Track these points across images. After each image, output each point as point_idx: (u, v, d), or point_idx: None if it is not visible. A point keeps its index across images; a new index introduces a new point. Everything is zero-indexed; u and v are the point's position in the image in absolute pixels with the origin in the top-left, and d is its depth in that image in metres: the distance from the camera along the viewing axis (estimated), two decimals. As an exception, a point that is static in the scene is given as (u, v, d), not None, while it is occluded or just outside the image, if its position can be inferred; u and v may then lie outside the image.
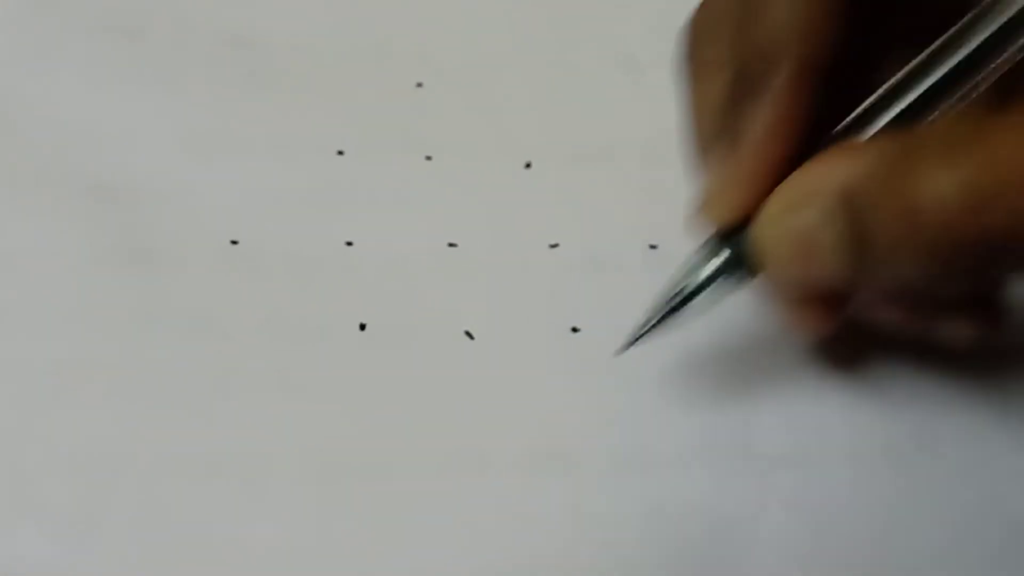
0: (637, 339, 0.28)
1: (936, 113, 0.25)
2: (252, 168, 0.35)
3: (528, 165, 0.35)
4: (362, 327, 0.31)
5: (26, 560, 0.26)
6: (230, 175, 0.35)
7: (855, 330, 0.30)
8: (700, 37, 0.28)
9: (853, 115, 0.26)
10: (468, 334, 0.31)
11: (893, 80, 0.26)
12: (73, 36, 0.38)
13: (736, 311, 0.32)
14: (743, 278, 0.27)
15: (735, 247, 0.27)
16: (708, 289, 0.27)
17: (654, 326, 0.28)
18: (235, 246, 0.33)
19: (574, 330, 0.31)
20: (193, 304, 0.31)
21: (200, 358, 0.30)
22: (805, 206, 0.25)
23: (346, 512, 0.27)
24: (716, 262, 0.27)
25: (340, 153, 0.36)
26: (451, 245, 0.33)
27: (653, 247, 0.33)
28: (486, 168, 0.35)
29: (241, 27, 0.39)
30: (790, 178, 0.26)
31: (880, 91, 0.26)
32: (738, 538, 0.28)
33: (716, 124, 0.27)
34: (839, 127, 0.26)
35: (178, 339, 0.30)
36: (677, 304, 0.27)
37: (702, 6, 0.28)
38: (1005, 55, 0.25)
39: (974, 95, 0.25)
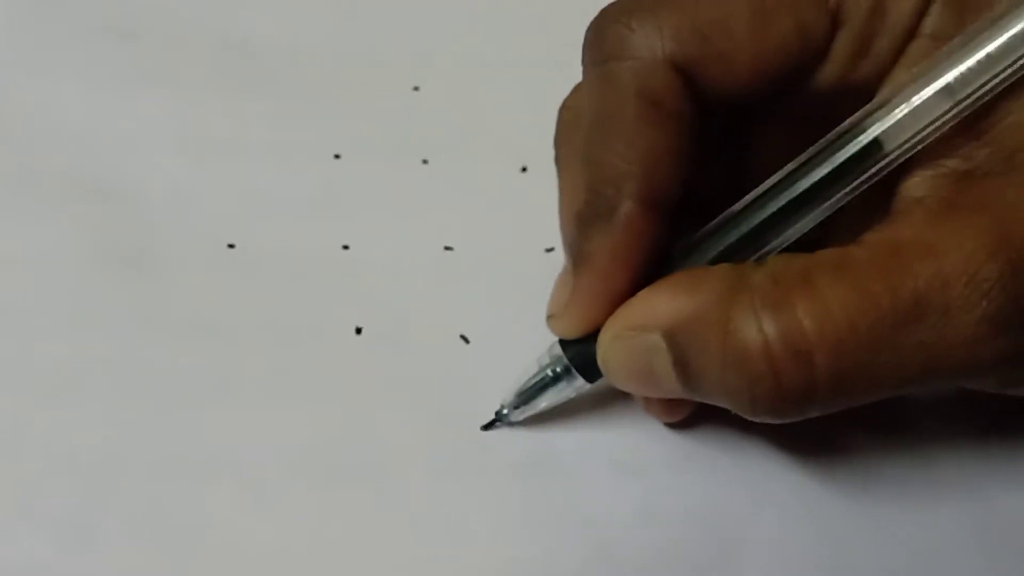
0: (492, 425, 0.30)
1: (778, 243, 0.26)
2: (249, 171, 0.35)
3: (524, 169, 0.35)
4: (358, 331, 0.31)
5: (25, 562, 0.26)
6: (227, 178, 0.35)
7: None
8: (566, 130, 0.29)
9: (691, 240, 0.27)
10: (464, 338, 0.31)
11: (729, 211, 0.27)
12: (71, 40, 0.38)
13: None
14: (586, 381, 0.29)
15: (577, 355, 0.28)
16: (551, 390, 0.29)
17: (508, 418, 0.30)
18: (232, 249, 0.33)
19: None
20: (190, 307, 0.31)
21: (197, 361, 0.30)
22: (639, 334, 0.26)
23: (342, 514, 0.27)
24: (556, 368, 0.29)
25: (337, 157, 0.36)
26: (447, 248, 0.33)
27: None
28: (482, 172, 0.35)
29: (238, 31, 0.39)
30: (626, 305, 0.27)
31: (717, 220, 0.27)
32: (732, 542, 0.28)
33: (565, 239, 0.28)
34: (676, 252, 0.27)
35: (175, 342, 0.30)
36: (523, 402, 0.29)
37: (572, 93, 0.29)
38: (843, 192, 0.25)
39: (810, 227, 0.26)
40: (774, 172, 0.26)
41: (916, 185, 0.25)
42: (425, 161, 0.36)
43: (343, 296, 0.32)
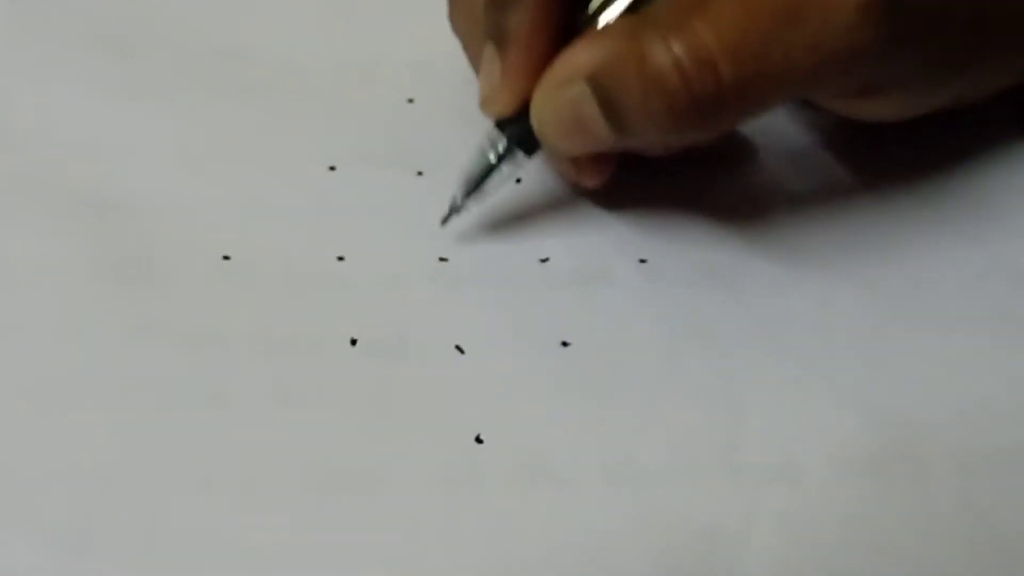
0: (447, 219, 0.33)
1: None
2: (244, 183, 0.35)
3: (519, 181, 0.35)
4: (353, 342, 0.31)
5: (21, 570, 0.26)
6: (222, 190, 0.35)
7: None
8: None
9: (596, 5, 0.30)
10: (459, 348, 0.31)
11: None
12: (66, 51, 0.38)
13: (724, 320, 0.32)
14: (523, 157, 0.32)
15: (514, 132, 0.32)
16: (496, 172, 0.33)
17: (460, 208, 0.33)
18: (227, 261, 0.33)
19: (564, 344, 0.31)
20: (185, 318, 0.31)
21: (192, 371, 0.30)
22: (566, 87, 0.30)
23: (337, 524, 0.27)
24: (498, 149, 0.32)
25: (332, 168, 0.36)
26: (442, 260, 0.33)
27: (643, 261, 0.34)
28: (478, 184, 0.35)
29: (234, 42, 0.39)
30: (552, 65, 0.30)
31: None
32: (728, 551, 0.28)
33: (483, 26, 0.31)
34: (587, 13, 0.31)
35: (170, 353, 0.30)
36: (472, 188, 0.33)
37: None
38: None
39: None
40: None
41: None
42: (420, 173, 0.36)
43: (338, 307, 0.32)
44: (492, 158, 0.32)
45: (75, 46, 0.39)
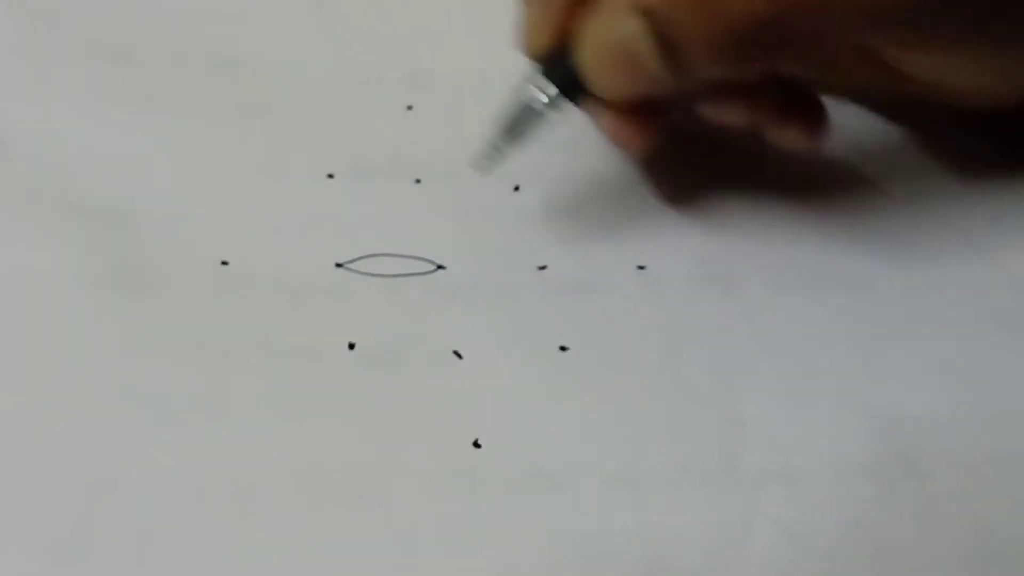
0: (484, 164, 0.32)
1: None
2: (243, 190, 0.35)
3: (517, 188, 0.35)
4: (351, 346, 0.31)
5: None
6: (221, 197, 0.35)
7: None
8: None
9: None
10: (457, 354, 0.31)
11: None
12: (64, 61, 0.38)
13: (722, 326, 0.32)
14: (564, 103, 0.31)
15: (556, 74, 0.30)
16: (535, 117, 0.31)
17: (500, 151, 0.32)
18: (225, 267, 0.33)
19: (562, 349, 0.31)
20: (184, 325, 0.31)
21: (191, 379, 0.30)
22: (617, 21, 0.29)
23: (336, 531, 0.27)
24: (542, 92, 0.31)
25: (330, 176, 0.36)
26: (440, 267, 0.33)
27: (641, 268, 0.34)
28: (475, 191, 0.35)
29: (232, 51, 0.39)
30: (597, 1, 0.29)
31: None
32: (726, 556, 0.28)
33: None
34: None
35: (169, 360, 0.30)
36: (512, 132, 0.32)
37: None
38: None
39: None
40: None
41: None
42: (418, 180, 0.36)
43: (336, 314, 0.32)
44: (537, 104, 0.31)
45: (75, 56, 0.39)
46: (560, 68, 0.30)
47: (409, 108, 0.38)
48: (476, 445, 0.29)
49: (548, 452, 0.29)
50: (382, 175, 0.36)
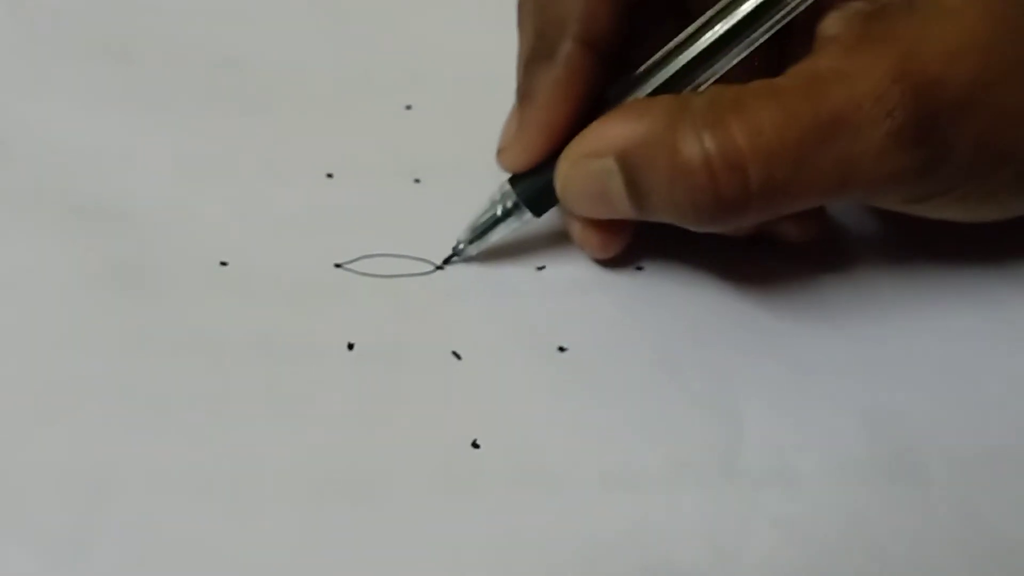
0: (448, 260, 0.33)
1: (706, 75, 0.30)
2: (242, 190, 0.35)
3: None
4: (350, 346, 0.31)
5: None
6: (220, 197, 0.35)
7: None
8: None
9: (636, 73, 0.31)
10: (456, 354, 0.31)
11: (663, 50, 0.30)
12: (65, 59, 0.38)
13: (719, 327, 0.32)
14: (531, 215, 0.32)
15: (524, 190, 0.32)
16: (501, 224, 0.33)
17: (462, 253, 0.33)
18: (225, 267, 0.33)
19: (561, 349, 0.32)
20: (183, 324, 0.31)
21: (190, 378, 0.30)
22: (595, 159, 0.30)
23: (335, 530, 0.27)
24: (507, 203, 0.32)
25: (329, 176, 0.36)
26: (438, 267, 0.33)
27: (639, 268, 0.34)
28: (474, 190, 0.35)
29: (232, 50, 0.39)
30: (580, 135, 0.30)
31: (652, 59, 0.30)
32: (725, 556, 0.28)
33: (519, 77, 0.32)
34: (614, 90, 0.31)
35: (168, 359, 0.30)
36: (476, 236, 0.33)
37: None
38: (765, 27, 0.29)
39: (734, 62, 0.30)
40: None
41: (831, 25, 0.29)
42: (417, 180, 0.36)
43: (335, 313, 0.32)
44: (499, 211, 0.32)
45: (75, 56, 0.39)
46: (529, 185, 0.32)
47: (408, 108, 0.38)
48: (475, 445, 0.29)
49: (548, 452, 0.29)
50: (381, 175, 0.36)
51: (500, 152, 0.32)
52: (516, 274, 0.34)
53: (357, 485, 0.28)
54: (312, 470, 0.28)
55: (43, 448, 0.28)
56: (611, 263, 0.34)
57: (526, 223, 0.33)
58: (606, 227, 0.33)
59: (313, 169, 0.36)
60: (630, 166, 0.29)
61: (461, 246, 0.33)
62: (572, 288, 0.33)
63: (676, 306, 0.33)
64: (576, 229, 0.33)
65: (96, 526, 0.27)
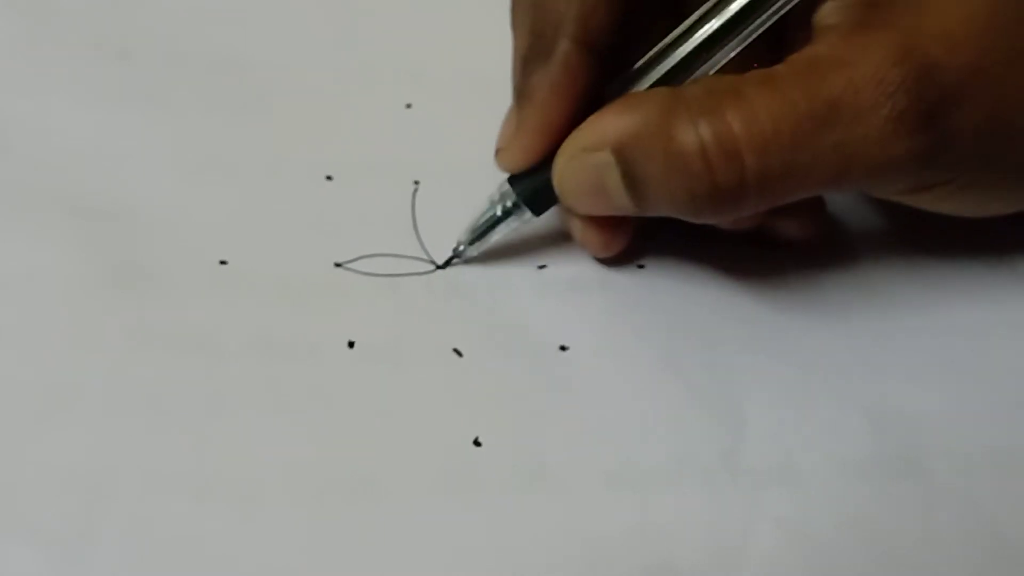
0: (448, 262, 0.33)
1: (702, 70, 0.30)
2: (242, 190, 0.35)
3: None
4: (351, 345, 0.31)
5: (17, 578, 0.26)
6: (220, 196, 0.35)
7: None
8: None
9: (632, 70, 0.30)
10: (457, 352, 0.31)
11: (659, 45, 0.30)
12: (64, 59, 0.38)
13: (721, 325, 0.32)
14: (531, 215, 0.32)
15: (523, 189, 0.32)
16: (501, 224, 0.33)
17: (463, 254, 0.33)
18: (224, 266, 0.33)
19: (562, 348, 0.31)
20: (183, 324, 0.31)
21: (190, 377, 0.30)
22: (591, 153, 0.29)
23: (336, 529, 0.27)
24: (506, 203, 0.32)
25: (329, 178, 0.36)
26: (439, 266, 0.33)
27: (641, 267, 0.34)
28: (473, 190, 0.35)
29: (231, 50, 0.39)
30: (577, 130, 0.30)
31: (649, 54, 0.30)
32: (727, 555, 0.28)
33: (515, 77, 0.32)
34: (611, 87, 0.31)
35: (168, 358, 0.30)
36: (476, 237, 0.33)
37: None
38: (762, 18, 0.29)
39: (731, 56, 0.30)
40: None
41: (828, 14, 0.29)
42: (417, 181, 0.36)
43: (336, 312, 0.32)
44: (499, 211, 0.32)
45: (74, 54, 0.39)
46: (528, 185, 0.32)
47: (408, 106, 0.38)
48: (476, 444, 0.29)
49: (549, 451, 0.29)
50: (381, 175, 0.36)
51: (498, 152, 0.32)
52: (517, 273, 0.33)
53: (358, 484, 0.28)
54: (313, 469, 0.28)
55: (43, 448, 0.28)
56: (612, 261, 0.34)
57: (526, 222, 0.33)
58: (607, 225, 0.32)
59: (313, 169, 0.36)
60: (626, 158, 0.29)
61: (462, 248, 0.33)
62: (573, 287, 0.33)
63: (678, 304, 0.33)
64: (577, 228, 0.33)
65: (96, 526, 0.27)
